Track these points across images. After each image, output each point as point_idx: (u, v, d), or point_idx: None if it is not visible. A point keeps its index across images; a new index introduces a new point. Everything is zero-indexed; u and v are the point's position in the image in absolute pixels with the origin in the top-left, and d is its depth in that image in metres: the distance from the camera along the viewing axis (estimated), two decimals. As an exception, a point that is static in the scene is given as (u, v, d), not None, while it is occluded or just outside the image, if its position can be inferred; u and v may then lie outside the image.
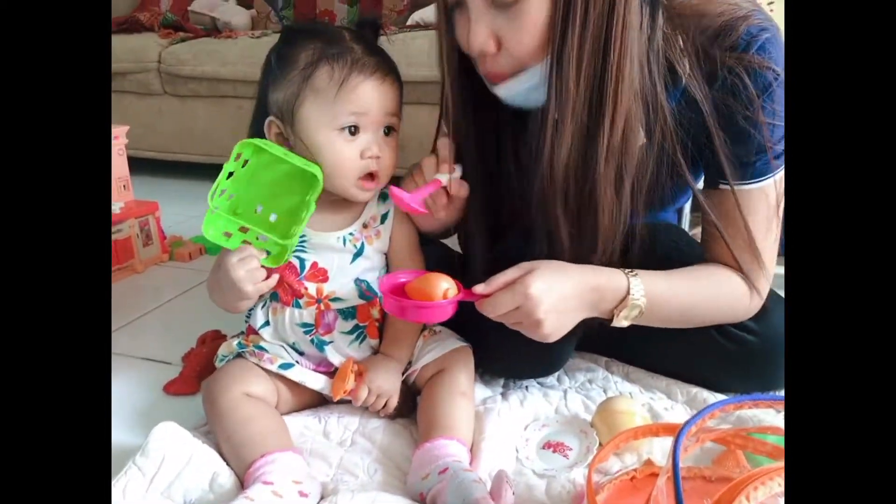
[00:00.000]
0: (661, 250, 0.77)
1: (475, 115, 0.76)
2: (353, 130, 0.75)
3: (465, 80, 0.74)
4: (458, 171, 0.77)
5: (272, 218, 0.75)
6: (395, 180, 0.87)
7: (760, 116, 0.69)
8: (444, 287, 0.69)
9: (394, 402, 0.79)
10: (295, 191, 0.74)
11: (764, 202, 0.73)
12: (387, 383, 0.78)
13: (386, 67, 0.76)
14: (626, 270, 0.72)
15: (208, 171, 2.12)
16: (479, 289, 0.69)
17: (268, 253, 0.75)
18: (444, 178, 0.76)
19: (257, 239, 0.75)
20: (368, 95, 0.74)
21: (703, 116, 0.69)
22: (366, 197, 0.79)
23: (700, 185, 0.79)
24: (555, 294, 0.67)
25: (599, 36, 0.63)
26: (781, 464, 0.49)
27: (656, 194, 0.73)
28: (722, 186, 0.73)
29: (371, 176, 0.77)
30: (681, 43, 0.69)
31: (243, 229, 0.75)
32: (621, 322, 0.72)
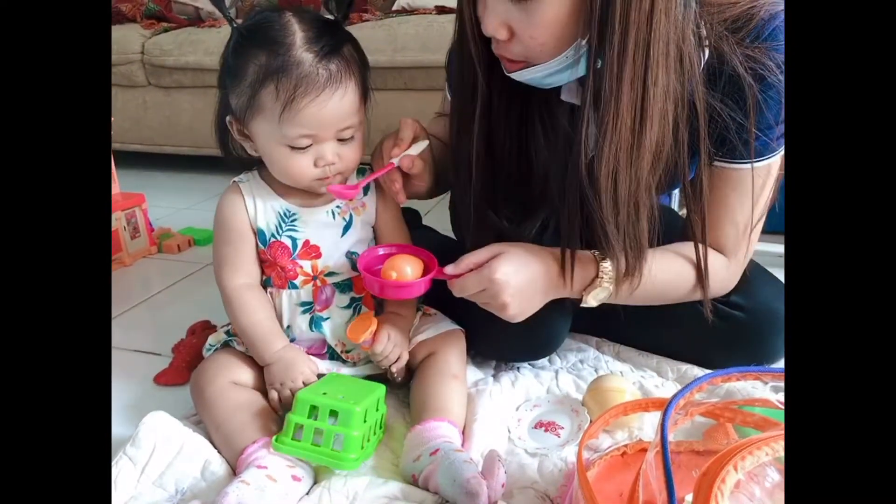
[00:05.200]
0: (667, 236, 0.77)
1: (485, 92, 0.71)
2: (305, 145, 0.72)
3: (481, 51, 0.68)
4: (415, 148, 0.76)
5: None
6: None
7: (759, 105, 0.67)
8: (420, 265, 0.73)
9: (405, 357, 0.79)
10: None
11: (744, 184, 0.72)
12: (401, 337, 0.79)
13: (340, 74, 0.70)
14: (596, 253, 0.72)
15: (195, 163, 2.11)
16: (449, 269, 0.71)
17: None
18: (395, 161, 0.75)
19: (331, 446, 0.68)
20: (316, 117, 0.70)
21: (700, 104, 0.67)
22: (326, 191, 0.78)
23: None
24: (521, 277, 0.68)
25: (643, 32, 0.58)
26: (768, 434, 0.49)
27: (672, 182, 0.72)
28: (717, 164, 0.72)
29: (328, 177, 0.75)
30: (702, 32, 0.66)
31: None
32: (589, 302, 0.74)
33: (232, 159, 0.80)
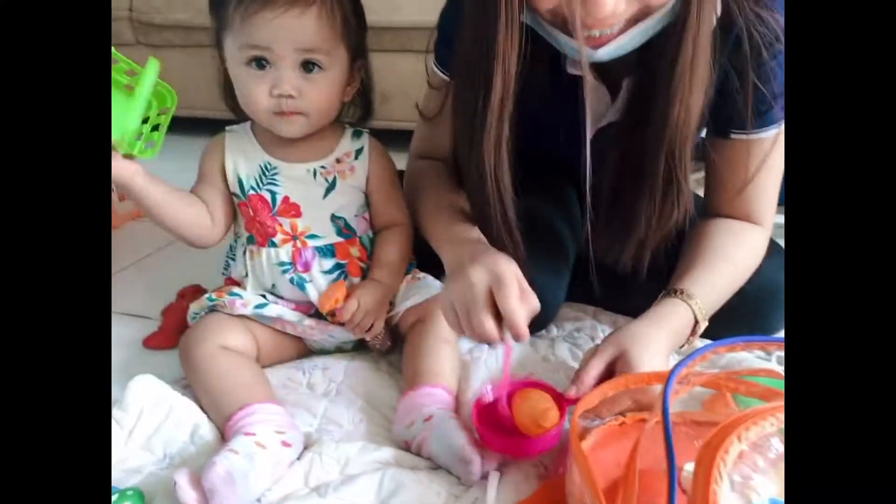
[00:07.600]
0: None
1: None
2: (261, 65, 0.70)
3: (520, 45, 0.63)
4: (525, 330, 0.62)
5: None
6: (377, 134, 0.83)
7: (772, 65, 0.67)
8: (546, 407, 0.62)
9: (379, 326, 0.78)
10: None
11: (775, 149, 0.73)
12: (374, 304, 0.77)
13: None
14: (677, 292, 0.72)
15: (185, 125, 2.06)
16: (573, 392, 0.65)
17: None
18: (511, 341, 0.63)
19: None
20: (267, 27, 0.68)
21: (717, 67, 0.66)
22: (292, 132, 0.74)
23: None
24: (656, 363, 0.66)
25: None
26: (773, 404, 0.48)
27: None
28: (734, 136, 0.72)
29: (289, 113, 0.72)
30: None
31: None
32: (695, 344, 0.72)
33: (237, 115, 0.79)
